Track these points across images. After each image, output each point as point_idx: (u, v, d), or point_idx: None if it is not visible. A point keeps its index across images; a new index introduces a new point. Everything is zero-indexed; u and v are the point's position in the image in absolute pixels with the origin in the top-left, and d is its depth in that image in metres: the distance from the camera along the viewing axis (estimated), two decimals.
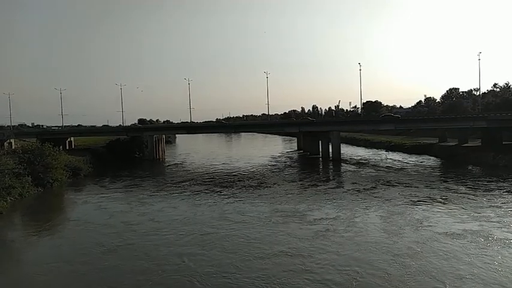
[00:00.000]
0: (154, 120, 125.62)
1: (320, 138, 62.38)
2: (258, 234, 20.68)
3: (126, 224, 24.04)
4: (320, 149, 62.61)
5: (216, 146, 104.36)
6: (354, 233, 20.38)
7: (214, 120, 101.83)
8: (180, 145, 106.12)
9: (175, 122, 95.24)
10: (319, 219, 23.31)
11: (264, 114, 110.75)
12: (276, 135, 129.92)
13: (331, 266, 15.97)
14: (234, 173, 45.99)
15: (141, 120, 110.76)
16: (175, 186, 37.99)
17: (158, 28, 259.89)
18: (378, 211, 25.07)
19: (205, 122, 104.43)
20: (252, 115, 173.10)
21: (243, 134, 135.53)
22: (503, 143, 52.52)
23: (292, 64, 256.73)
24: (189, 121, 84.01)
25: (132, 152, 65.42)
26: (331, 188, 34.88)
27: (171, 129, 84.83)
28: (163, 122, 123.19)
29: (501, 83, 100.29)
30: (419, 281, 14.17)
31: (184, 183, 39.51)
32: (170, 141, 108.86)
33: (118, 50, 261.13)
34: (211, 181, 40.73)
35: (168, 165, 59.26)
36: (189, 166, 56.66)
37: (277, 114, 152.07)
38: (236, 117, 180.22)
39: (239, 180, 40.46)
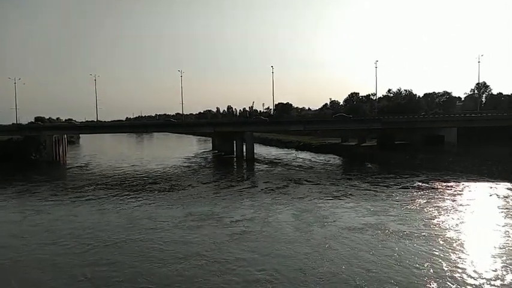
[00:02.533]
0: (55, 118, 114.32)
1: (235, 139, 62.97)
2: (171, 240, 19.85)
3: (16, 236, 21.18)
4: (235, 149, 63.22)
5: (126, 147, 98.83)
6: (269, 233, 20.74)
7: (124, 119, 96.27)
8: (84, 146, 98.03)
9: (79, 121, 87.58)
10: (235, 220, 23.30)
11: (178, 113, 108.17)
12: (190, 136, 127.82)
13: (248, 269, 15.98)
14: (145, 176, 43.84)
15: (38, 119, 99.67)
16: (77, 192, 34.72)
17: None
18: (290, 209, 26.00)
19: (114, 121, 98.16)
20: (165, 114, 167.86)
21: (155, 134, 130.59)
22: (396, 142, 58.98)
23: (207, 65, 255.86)
24: (96, 120, 78.05)
25: (28, 154, 58.54)
26: (246, 188, 35.29)
27: (72, 129, 77.18)
28: (65, 120, 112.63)
29: (394, 89, 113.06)
30: (330, 276, 14.91)
31: (87, 188, 36.37)
32: (73, 142, 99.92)
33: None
34: (119, 185, 38.20)
35: (70, 168, 54.21)
36: (94, 169, 52.50)
37: (192, 114, 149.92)
38: (148, 116, 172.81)
39: (151, 183, 38.67)
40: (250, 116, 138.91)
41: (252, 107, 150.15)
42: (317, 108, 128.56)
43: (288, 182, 37.34)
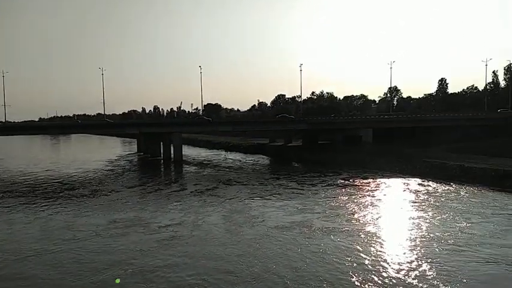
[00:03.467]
0: None
1: (162, 140, 61.01)
2: (92, 250, 18.46)
3: None
4: (161, 151, 61.24)
5: (39, 150, 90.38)
6: (199, 236, 20.34)
7: (37, 120, 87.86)
8: None
9: None
10: (164, 225, 22.47)
11: (99, 114, 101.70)
12: (114, 137, 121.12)
13: (179, 274, 15.47)
14: (61, 181, 40.41)
15: None
16: None
17: None
18: (220, 211, 25.86)
19: (25, 121, 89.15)
20: (85, 114, 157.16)
21: (74, 136, 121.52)
22: (319, 142, 62.16)
23: (131, 64, 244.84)
24: (4, 121, 70.20)
25: None
26: (175, 191, 34.36)
27: None
28: None
29: (317, 92, 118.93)
30: (262, 275, 15.07)
31: None
32: None
33: None
34: (32, 192, 34.70)
35: None
36: (0, 174, 47.13)
37: (116, 115, 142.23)
38: (65, 117, 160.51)
39: (68, 190, 35.73)
40: (178, 117, 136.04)
41: (180, 107, 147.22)
42: (246, 109, 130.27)
43: (218, 184, 37.19)
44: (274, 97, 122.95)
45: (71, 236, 20.72)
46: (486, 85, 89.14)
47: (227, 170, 48.11)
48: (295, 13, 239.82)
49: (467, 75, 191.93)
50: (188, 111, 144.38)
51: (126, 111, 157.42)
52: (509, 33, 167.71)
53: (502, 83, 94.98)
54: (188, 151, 71.10)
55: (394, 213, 25.22)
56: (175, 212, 25.93)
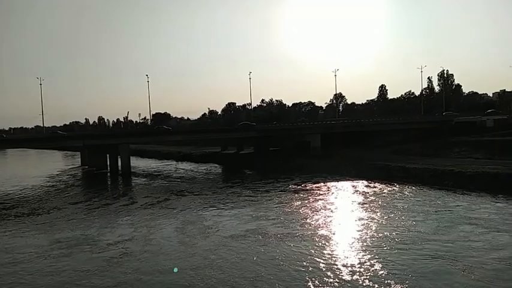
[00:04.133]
0: None
1: (108, 152, 58.35)
2: (34, 274, 17.02)
3: None
4: (108, 164, 58.54)
5: None
6: (152, 251, 19.54)
7: None
8: None
9: None
10: (114, 242, 21.30)
11: (38, 126, 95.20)
12: (55, 151, 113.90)
13: None
14: None
15: None
16: None
17: None
18: (173, 223, 25.13)
19: None
20: (22, 127, 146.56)
21: (9, 151, 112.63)
22: (270, 149, 62.91)
23: (73, 74, 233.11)
24: None
25: None
26: (123, 205, 32.87)
27: None
28: None
29: (267, 99, 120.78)
30: (219, 286, 14.78)
31: None
32: None
33: None
34: None
35: None
36: None
37: (56, 127, 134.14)
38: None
39: (5, 209, 32.87)
40: (125, 127, 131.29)
41: (126, 117, 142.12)
42: (196, 118, 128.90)
43: (170, 195, 36.21)
44: (225, 105, 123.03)
45: (10, 260, 18.98)
46: (422, 91, 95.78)
47: (179, 180, 47.08)
48: (244, 22, 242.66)
49: (405, 81, 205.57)
50: (136, 122, 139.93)
51: (68, 123, 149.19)
52: (443, 43, 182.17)
53: (437, 88, 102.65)
54: (137, 163, 68.70)
55: (344, 215, 26.07)
56: (125, 227, 24.77)
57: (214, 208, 29.32)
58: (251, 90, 74.95)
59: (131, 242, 21.26)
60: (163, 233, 22.89)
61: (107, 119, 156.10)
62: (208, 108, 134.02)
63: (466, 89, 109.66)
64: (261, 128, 62.91)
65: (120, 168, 55.73)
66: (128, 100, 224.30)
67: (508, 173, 31.79)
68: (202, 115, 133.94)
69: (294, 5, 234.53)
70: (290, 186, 37.24)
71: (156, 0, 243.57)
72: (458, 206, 26.17)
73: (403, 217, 23.92)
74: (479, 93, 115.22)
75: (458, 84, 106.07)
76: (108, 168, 58.32)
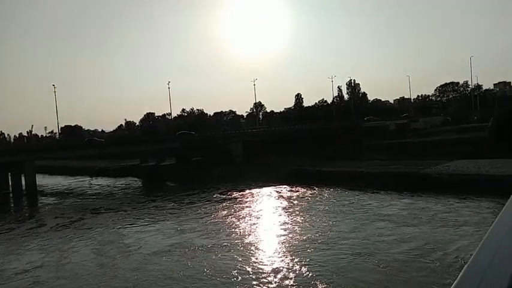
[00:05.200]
0: None
1: (9, 170, 52.03)
2: None
3: None
4: (10, 184, 52.16)
5: None
6: (67, 278, 17.69)
7: None
8: None
9: None
10: (21, 271, 18.81)
11: None
12: None
13: None
14: None
15: None
16: None
17: None
18: (89, 244, 23.16)
19: None
20: None
21: None
22: (193, 159, 61.95)
23: None
24: None
25: None
26: (30, 229, 29.43)
27: None
28: None
29: (188, 108, 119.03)
30: None
31: None
32: None
33: None
34: None
35: None
36: None
37: None
38: None
39: None
40: (28, 142, 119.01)
41: (31, 131, 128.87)
42: (112, 130, 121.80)
43: (84, 214, 33.44)
44: (143, 115, 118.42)
45: None
46: (333, 99, 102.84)
47: (94, 197, 43.83)
48: (159, 31, 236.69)
49: (319, 90, 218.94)
50: (42, 136, 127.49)
51: None
52: (350, 54, 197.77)
53: (346, 96, 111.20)
54: (45, 181, 62.44)
55: (269, 220, 26.58)
56: (35, 253, 22.18)
57: (135, 224, 27.79)
58: (171, 100, 73.28)
59: (42, 269, 19.08)
60: (79, 256, 20.97)
61: (8, 134, 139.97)
62: (125, 119, 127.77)
63: (370, 97, 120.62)
64: (183, 138, 61.72)
65: (24, 187, 50.05)
66: (31, 112, 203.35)
67: (408, 171, 35.44)
68: (119, 126, 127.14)
69: (215, 14, 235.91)
70: (215, 196, 36.96)
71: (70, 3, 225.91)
72: (371, 204, 28.36)
73: (324, 218, 25.18)
74: (382, 100, 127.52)
75: (364, 92, 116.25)
76: (10, 188, 51.97)
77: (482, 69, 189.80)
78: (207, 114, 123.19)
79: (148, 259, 19.41)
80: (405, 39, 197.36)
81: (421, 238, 19.34)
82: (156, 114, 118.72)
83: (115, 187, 51.45)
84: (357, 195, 32.06)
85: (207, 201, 34.94)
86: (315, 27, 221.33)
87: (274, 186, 39.69)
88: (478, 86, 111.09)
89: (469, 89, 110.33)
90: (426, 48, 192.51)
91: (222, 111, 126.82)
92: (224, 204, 32.85)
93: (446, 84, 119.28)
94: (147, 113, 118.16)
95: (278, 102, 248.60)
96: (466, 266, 0.97)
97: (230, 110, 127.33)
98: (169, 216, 30.01)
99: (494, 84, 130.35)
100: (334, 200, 31.05)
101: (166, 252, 20.32)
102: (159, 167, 62.74)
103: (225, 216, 28.21)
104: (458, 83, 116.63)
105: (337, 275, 15.47)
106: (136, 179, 58.30)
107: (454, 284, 0.91)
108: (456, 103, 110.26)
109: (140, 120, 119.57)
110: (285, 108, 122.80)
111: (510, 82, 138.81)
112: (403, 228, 21.30)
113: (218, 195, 37.49)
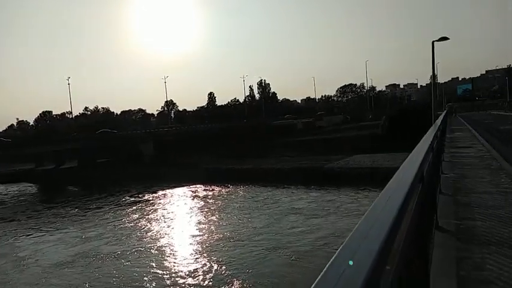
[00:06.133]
0: None
1: None
2: None
3: None
4: None
5: None
6: None
7: None
8: None
9: None
10: None
11: None
12: None
13: None
14: None
15: None
16: None
17: None
18: None
19: None
20: None
21: None
22: (98, 161, 57.69)
23: None
24: None
25: None
26: None
27: None
28: None
29: (91, 107, 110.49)
30: None
31: None
32: None
33: None
34: None
35: None
36: None
37: None
38: None
39: None
40: None
41: None
42: (1, 130, 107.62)
43: None
44: (38, 114, 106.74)
45: None
46: (245, 98, 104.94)
47: None
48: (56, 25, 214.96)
49: (231, 89, 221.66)
50: None
51: None
52: (260, 54, 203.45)
53: (257, 96, 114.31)
54: None
55: (184, 221, 26.01)
56: None
57: (32, 235, 24.84)
58: (71, 97, 66.93)
59: None
60: None
61: None
62: (17, 119, 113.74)
63: (280, 96, 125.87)
64: (85, 138, 57.06)
65: None
66: None
67: (314, 167, 37.80)
68: (9, 127, 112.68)
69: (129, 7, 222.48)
70: (125, 199, 34.92)
71: None
72: (283, 199, 29.54)
73: (239, 215, 25.48)
74: (291, 99, 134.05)
75: (274, 92, 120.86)
76: None
77: (376, 72, 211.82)
78: (113, 112, 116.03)
79: (49, 272, 17.50)
80: (311, 42, 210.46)
81: (328, 228, 20.75)
82: (54, 113, 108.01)
83: (6, 195, 45.46)
84: (270, 191, 33.12)
85: (116, 205, 32.84)
86: (228, 28, 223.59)
87: (188, 186, 38.98)
88: (373, 88, 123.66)
89: (365, 90, 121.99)
90: (330, 51, 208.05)
91: (130, 110, 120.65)
92: (135, 207, 31.23)
93: (345, 85, 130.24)
94: (43, 112, 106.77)
95: (191, 101, 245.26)
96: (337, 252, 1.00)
97: (139, 109, 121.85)
98: (72, 223, 27.49)
99: (386, 86, 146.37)
100: (249, 197, 31.65)
101: (69, 263, 18.54)
102: (59, 171, 57.13)
103: (136, 219, 26.81)
104: (356, 84, 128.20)
105: (252, 270, 15.75)
106: (31, 184, 52.29)
107: (324, 269, 0.94)
108: (354, 103, 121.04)
109: (35, 119, 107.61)
110: (198, 107, 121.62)
111: (399, 84, 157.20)
112: (313, 220, 22.60)
113: (128, 198, 35.51)
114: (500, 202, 6.62)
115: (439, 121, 12.21)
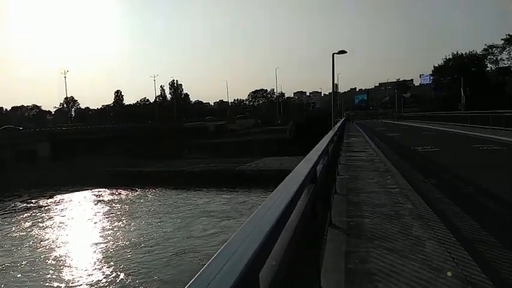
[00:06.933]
0: None
1: None
2: None
3: None
4: None
5: None
6: None
7: None
8: None
9: None
10: None
11: None
12: None
13: None
14: None
15: None
16: None
17: None
18: None
19: None
20: None
21: None
22: None
23: None
24: None
25: None
26: None
27: None
28: None
29: None
30: None
31: None
32: None
33: None
34: None
35: None
36: None
37: None
38: None
39: None
40: None
41: None
42: None
43: None
44: None
45: None
46: (156, 98, 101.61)
47: None
48: None
49: (141, 88, 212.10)
50: None
51: None
52: (172, 54, 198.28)
53: (169, 96, 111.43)
54: None
55: (87, 228, 24.16)
56: None
57: None
58: None
59: None
60: None
61: None
62: None
63: (193, 98, 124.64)
64: None
65: None
66: None
67: (225, 169, 38.31)
68: None
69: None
70: (15, 205, 31.13)
71: None
72: (195, 202, 29.27)
73: (149, 220, 24.57)
74: (204, 102, 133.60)
75: (186, 93, 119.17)
76: None
77: (286, 80, 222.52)
78: (2, 108, 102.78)
79: None
80: (226, 46, 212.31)
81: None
82: None
83: None
84: (181, 194, 32.57)
85: (5, 212, 29.16)
86: (140, 24, 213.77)
87: (91, 190, 36.34)
88: (282, 94, 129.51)
89: (275, 96, 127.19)
90: (244, 56, 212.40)
91: (22, 106, 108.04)
92: (28, 213, 28.06)
93: (257, 90, 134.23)
94: None
95: (96, 99, 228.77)
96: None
97: (34, 105, 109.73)
98: None
99: (294, 93, 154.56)
100: (159, 201, 30.70)
101: None
102: None
103: (28, 228, 24.12)
104: (267, 90, 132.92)
105: (160, 276, 15.36)
106: None
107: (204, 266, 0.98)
108: (265, 107, 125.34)
109: None
110: (103, 106, 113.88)
111: (306, 92, 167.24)
112: (225, 222, 22.85)
113: (19, 203, 31.76)
114: (385, 200, 7.56)
115: (336, 127, 13.39)
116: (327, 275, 3.83)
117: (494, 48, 67.30)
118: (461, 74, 57.25)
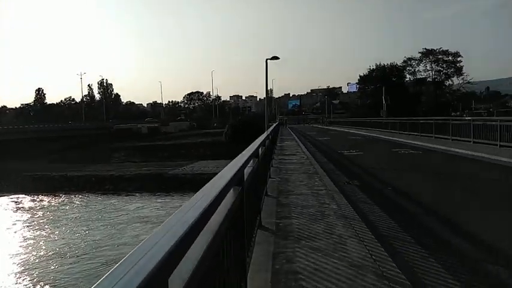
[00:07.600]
0: None
1: None
2: None
3: None
4: None
5: None
6: None
7: None
8: None
9: None
10: None
11: None
12: None
13: None
14: None
15: None
16: None
17: None
18: None
19: None
20: None
21: None
22: None
23: None
24: None
25: None
26: None
27: None
28: None
29: None
30: None
31: None
32: None
33: None
34: None
35: None
36: None
37: None
38: None
39: None
40: None
41: None
42: None
43: None
44: None
45: None
46: (83, 97, 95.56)
47: None
48: None
49: (66, 86, 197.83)
50: None
51: None
52: (101, 50, 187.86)
53: (97, 96, 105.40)
54: None
55: (5, 238, 21.86)
56: None
57: None
58: None
59: None
60: None
61: None
62: None
63: (124, 99, 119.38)
64: None
65: None
66: None
67: (159, 172, 37.21)
68: None
69: None
70: None
71: None
72: (127, 207, 27.93)
73: (76, 228, 22.96)
74: (136, 103, 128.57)
75: (117, 93, 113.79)
76: None
77: (222, 83, 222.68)
78: None
79: None
80: (161, 46, 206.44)
81: None
82: None
83: None
84: (111, 200, 30.94)
85: None
86: (65, 17, 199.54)
87: (8, 196, 33.07)
88: (218, 97, 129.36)
89: (211, 98, 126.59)
90: (180, 57, 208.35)
91: None
92: None
93: (192, 92, 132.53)
94: None
95: (13, 96, 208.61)
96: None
97: None
98: None
99: (230, 97, 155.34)
100: (87, 207, 28.83)
101: None
102: None
103: None
104: (202, 92, 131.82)
105: (88, 286, 14.48)
106: None
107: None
108: (201, 110, 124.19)
109: None
110: (22, 104, 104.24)
111: (242, 96, 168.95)
112: (152, 225, 22.11)
113: None
114: (312, 202, 7.95)
115: (269, 130, 13.75)
116: (253, 276, 3.94)
117: (412, 61, 74.23)
118: (384, 83, 61.92)
